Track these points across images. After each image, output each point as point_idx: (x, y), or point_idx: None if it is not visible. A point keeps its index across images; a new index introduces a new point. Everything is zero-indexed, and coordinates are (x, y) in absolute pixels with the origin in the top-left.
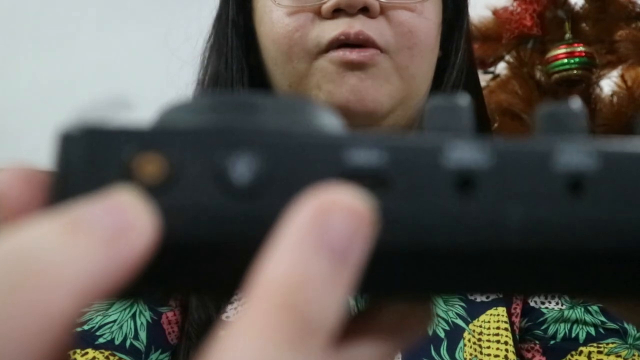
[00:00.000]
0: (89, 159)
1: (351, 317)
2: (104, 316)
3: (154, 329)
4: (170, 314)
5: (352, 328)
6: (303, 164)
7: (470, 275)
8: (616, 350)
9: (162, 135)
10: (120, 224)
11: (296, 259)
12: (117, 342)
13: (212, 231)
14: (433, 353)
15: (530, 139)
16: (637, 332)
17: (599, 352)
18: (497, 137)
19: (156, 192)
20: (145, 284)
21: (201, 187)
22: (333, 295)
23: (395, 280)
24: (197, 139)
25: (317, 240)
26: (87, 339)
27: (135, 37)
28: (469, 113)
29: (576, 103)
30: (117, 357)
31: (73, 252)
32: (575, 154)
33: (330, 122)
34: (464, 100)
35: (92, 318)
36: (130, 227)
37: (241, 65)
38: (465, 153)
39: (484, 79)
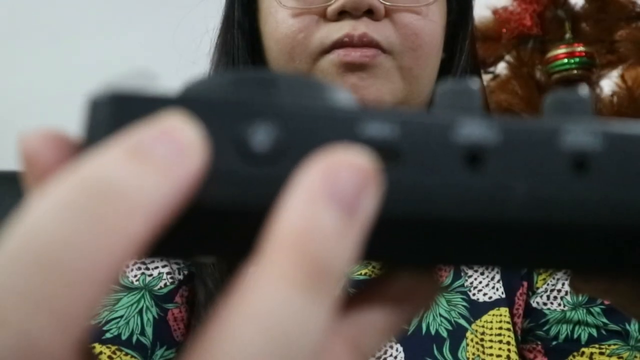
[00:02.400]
0: (116, 125)
1: (362, 286)
2: (111, 311)
3: (161, 325)
4: (176, 311)
5: (362, 297)
6: (319, 133)
7: (475, 247)
8: (618, 351)
9: (187, 104)
10: (177, 147)
11: (307, 210)
12: (123, 338)
13: (233, 195)
14: (436, 352)
15: (538, 118)
16: None
17: (601, 354)
18: (506, 116)
19: None
20: (169, 247)
21: (223, 154)
22: (343, 244)
23: (403, 249)
24: (220, 108)
25: (326, 192)
26: (93, 334)
27: (142, 37)
28: (478, 95)
29: (583, 89)
30: (123, 353)
31: (142, 177)
32: (581, 134)
33: (345, 98)
34: (474, 83)
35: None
36: (185, 150)
37: (246, 65)
38: (475, 129)
39: (484, 79)
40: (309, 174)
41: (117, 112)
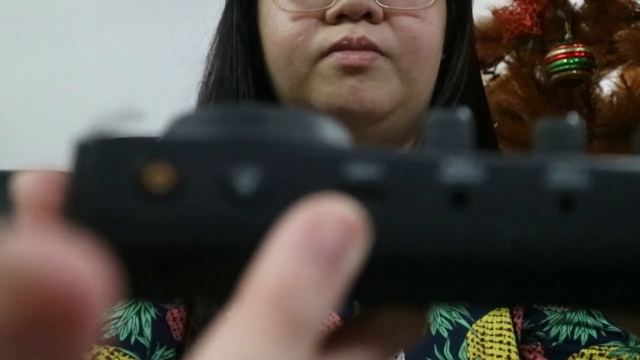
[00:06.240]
0: (101, 168)
1: (345, 323)
2: (109, 312)
3: (159, 325)
4: (175, 311)
5: (346, 334)
6: (303, 176)
7: (462, 286)
8: (617, 353)
9: (171, 146)
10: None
11: (289, 263)
12: (122, 338)
13: (216, 238)
14: (436, 352)
15: (524, 156)
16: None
17: (601, 355)
18: (493, 153)
19: (164, 200)
20: (152, 286)
21: (207, 196)
22: (321, 299)
23: (390, 289)
24: (205, 150)
25: (309, 247)
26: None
27: (139, 37)
28: (468, 128)
29: (574, 119)
30: (121, 353)
31: None
32: (567, 172)
33: (334, 135)
34: (464, 115)
35: None
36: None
37: (245, 67)
38: (460, 169)
39: (483, 79)
40: (292, 225)
41: (103, 155)
